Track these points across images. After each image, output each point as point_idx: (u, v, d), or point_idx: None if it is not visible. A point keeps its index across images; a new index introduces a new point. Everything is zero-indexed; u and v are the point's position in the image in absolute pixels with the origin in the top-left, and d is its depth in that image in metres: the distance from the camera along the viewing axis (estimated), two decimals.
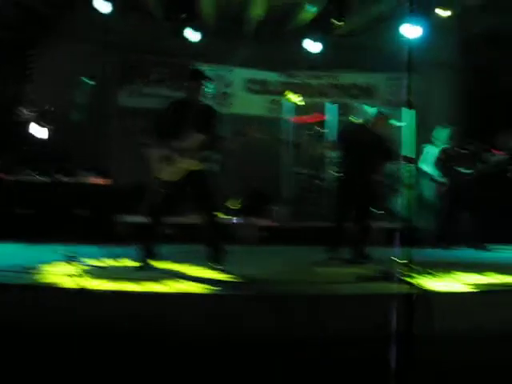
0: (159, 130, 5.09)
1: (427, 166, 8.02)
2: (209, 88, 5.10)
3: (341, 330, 3.56)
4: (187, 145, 4.92)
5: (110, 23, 8.80)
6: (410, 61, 10.24)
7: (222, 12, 9.76)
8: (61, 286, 3.82)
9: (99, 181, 7.74)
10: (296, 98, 8.75)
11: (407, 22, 9.16)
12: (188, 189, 5.09)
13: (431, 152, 8.05)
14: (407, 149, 8.99)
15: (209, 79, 5.11)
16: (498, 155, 7.48)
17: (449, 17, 9.27)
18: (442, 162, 7.91)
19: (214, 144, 4.97)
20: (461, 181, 7.72)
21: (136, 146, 9.08)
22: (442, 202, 7.89)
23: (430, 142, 8.59)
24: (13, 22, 8.67)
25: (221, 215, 7.92)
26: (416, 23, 9.11)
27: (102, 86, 9.13)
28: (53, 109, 8.86)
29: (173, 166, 4.94)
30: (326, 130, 8.98)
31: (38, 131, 8.50)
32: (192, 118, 4.97)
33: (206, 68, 9.98)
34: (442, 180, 7.81)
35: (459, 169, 7.82)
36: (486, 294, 4.02)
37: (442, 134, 7.99)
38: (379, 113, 6.30)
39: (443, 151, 7.97)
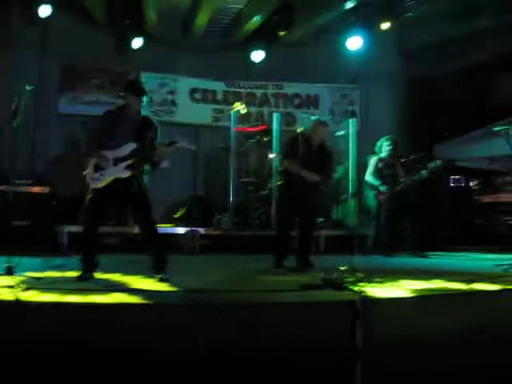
0: (93, 139, 5.02)
1: (368, 176, 8.19)
2: (144, 101, 5.05)
3: (285, 339, 3.56)
4: (117, 153, 4.86)
5: (49, 28, 8.63)
6: (353, 72, 10.53)
7: (167, 20, 9.70)
8: None
9: (38, 189, 7.53)
10: (240, 107, 8.76)
11: (351, 34, 9.40)
12: (119, 196, 5.02)
13: (372, 162, 8.24)
14: (348, 157, 9.25)
15: (144, 92, 5.04)
16: (434, 162, 7.73)
17: (390, 29, 9.52)
18: (379, 171, 8.09)
19: (148, 154, 4.92)
20: (398, 189, 7.90)
21: (75, 153, 8.99)
22: (382, 210, 8.06)
23: (372, 152, 8.79)
24: None
25: (163, 224, 7.87)
26: (359, 35, 9.35)
27: (41, 92, 8.93)
28: None
29: (98, 174, 4.88)
30: (269, 139, 9.00)
31: None
32: (127, 128, 4.92)
33: (151, 75, 9.96)
34: (381, 188, 7.98)
35: (397, 177, 8.00)
36: (425, 299, 4.10)
37: (382, 144, 8.18)
38: (317, 120, 6.37)
39: (380, 160, 8.17)
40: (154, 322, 3.52)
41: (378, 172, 8.12)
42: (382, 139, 8.30)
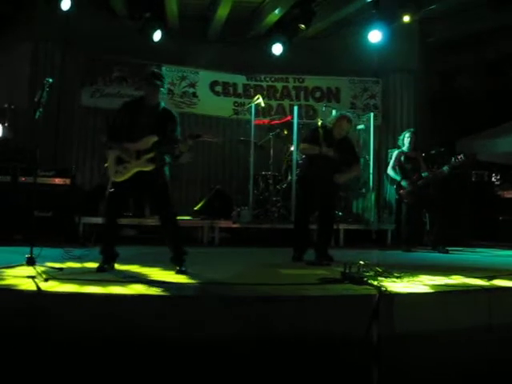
0: (112, 131, 5.03)
1: (390, 169, 8.14)
2: (161, 90, 5.05)
3: (304, 332, 3.56)
4: (139, 146, 4.87)
5: (71, 21, 8.68)
6: (374, 65, 10.46)
7: (187, 12, 9.71)
8: (19, 288, 3.72)
9: (60, 181, 7.60)
10: (260, 100, 8.75)
11: (372, 27, 9.32)
12: (141, 189, 5.04)
13: (394, 155, 8.18)
14: (369, 150, 9.21)
15: (161, 81, 5.02)
16: (457, 157, 7.61)
17: (411, 22, 9.43)
18: (401, 165, 8.03)
19: (170, 147, 4.90)
20: (419, 183, 7.82)
21: (97, 146, 9.08)
22: (402, 205, 8.00)
23: (394, 145, 8.74)
24: None
25: (182, 216, 7.91)
26: (380, 28, 9.26)
27: (63, 85, 9.03)
28: (13, 107, 8.70)
29: (121, 167, 4.90)
30: (289, 132, 8.99)
31: None
32: (147, 120, 4.92)
33: (172, 68, 10.00)
34: (402, 183, 7.91)
35: (419, 171, 7.91)
36: (444, 294, 4.07)
37: (404, 138, 8.10)
38: (340, 114, 6.34)
39: (402, 153, 8.09)
40: (171, 313, 3.54)
41: (399, 166, 8.05)
42: (404, 132, 8.24)
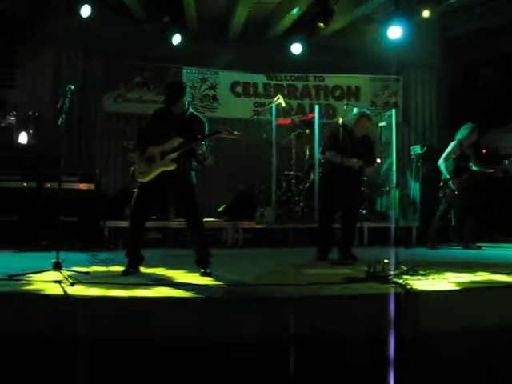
0: (142, 136, 5.15)
1: (442, 162, 7.74)
2: (186, 99, 5.12)
3: (330, 331, 3.56)
4: (165, 147, 4.92)
5: (92, 28, 8.77)
6: (395, 62, 10.33)
7: (206, 15, 9.74)
8: (46, 292, 3.77)
9: (85, 186, 7.68)
10: (281, 100, 8.74)
11: (391, 24, 9.23)
12: (167, 191, 5.10)
13: (450, 147, 7.78)
14: (390, 147, 9.12)
15: (184, 91, 5.10)
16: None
17: (431, 17, 9.33)
18: (455, 160, 7.68)
19: (191, 146, 4.93)
20: (470, 183, 7.59)
21: (121, 150, 9.17)
22: (443, 202, 7.80)
23: (416, 142, 8.58)
24: None
25: (207, 218, 7.94)
26: (399, 24, 9.17)
27: (85, 91, 9.13)
28: (36, 114, 8.82)
29: (146, 167, 4.96)
30: (310, 132, 8.97)
31: (22, 136, 8.46)
32: (174, 126, 4.98)
33: (192, 70, 10.05)
34: (450, 184, 7.61)
35: (469, 170, 7.64)
36: (470, 291, 4.03)
37: (462, 132, 7.73)
38: (360, 113, 6.29)
39: (459, 147, 7.67)
40: (196, 315, 3.56)
41: (452, 161, 7.68)
42: (466, 125, 7.78)
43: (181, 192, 5.07)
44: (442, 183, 7.78)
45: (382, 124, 9.51)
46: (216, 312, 3.60)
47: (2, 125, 8.86)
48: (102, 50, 9.31)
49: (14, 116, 8.99)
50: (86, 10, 8.23)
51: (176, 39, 9.38)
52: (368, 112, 6.37)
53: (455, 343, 3.56)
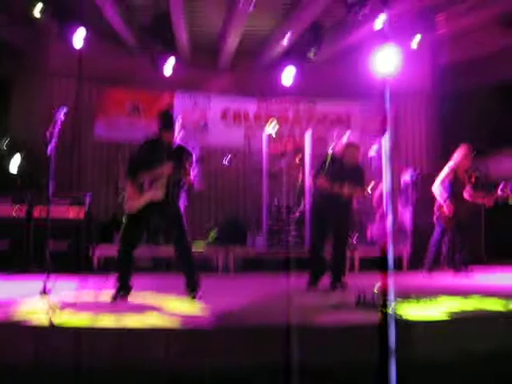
0: (131, 167, 5.17)
1: (436, 187, 7.64)
2: (175, 132, 5.17)
3: (319, 362, 3.52)
4: (154, 175, 4.98)
5: (84, 55, 8.83)
6: (385, 89, 10.36)
7: (197, 43, 9.84)
8: (33, 322, 3.72)
9: (75, 211, 7.66)
10: (271, 127, 8.79)
11: (382, 52, 9.31)
12: (155, 218, 5.16)
13: (444, 170, 7.68)
14: (380, 175, 9.11)
15: (173, 125, 5.15)
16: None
17: (421, 45, 9.43)
18: (451, 184, 7.60)
19: (179, 174, 4.97)
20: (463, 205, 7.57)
21: (111, 176, 9.16)
22: (436, 228, 7.74)
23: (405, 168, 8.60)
24: None
25: (197, 245, 7.92)
26: (390, 52, 9.25)
27: (77, 118, 9.14)
28: (28, 139, 8.82)
29: (136, 195, 5.00)
30: (301, 160, 9.00)
31: (13, 162, 8.44)
32: (163, 157, 5.02)
33: (184, 96, 10.11)
34: (445, 209, 7.53)
35: (462, 196, 7.59)
36: (460, 320, 4.01)
37: (457, 156, 7.65)
38: (348, 143, 6.31)
39: (454, 171, 7.59)
40: (184, 346, 3.53)
41: (448, 185, 7.58)
42: (458, 150, 7.69)
43: (169, 219, 5.11)
44: (435, 208, 7.75)
45: (373, 151, 9.54)
46: (203, 343, 3.56)
47: None
48: (94, 76, 9.35)
49: (5, 141, 8.99)
50: (78, 38, 8.30)
51: (167, 69, 9.39)
52: (354, 141, 6.38)
53: (443, 373, 3.53)
